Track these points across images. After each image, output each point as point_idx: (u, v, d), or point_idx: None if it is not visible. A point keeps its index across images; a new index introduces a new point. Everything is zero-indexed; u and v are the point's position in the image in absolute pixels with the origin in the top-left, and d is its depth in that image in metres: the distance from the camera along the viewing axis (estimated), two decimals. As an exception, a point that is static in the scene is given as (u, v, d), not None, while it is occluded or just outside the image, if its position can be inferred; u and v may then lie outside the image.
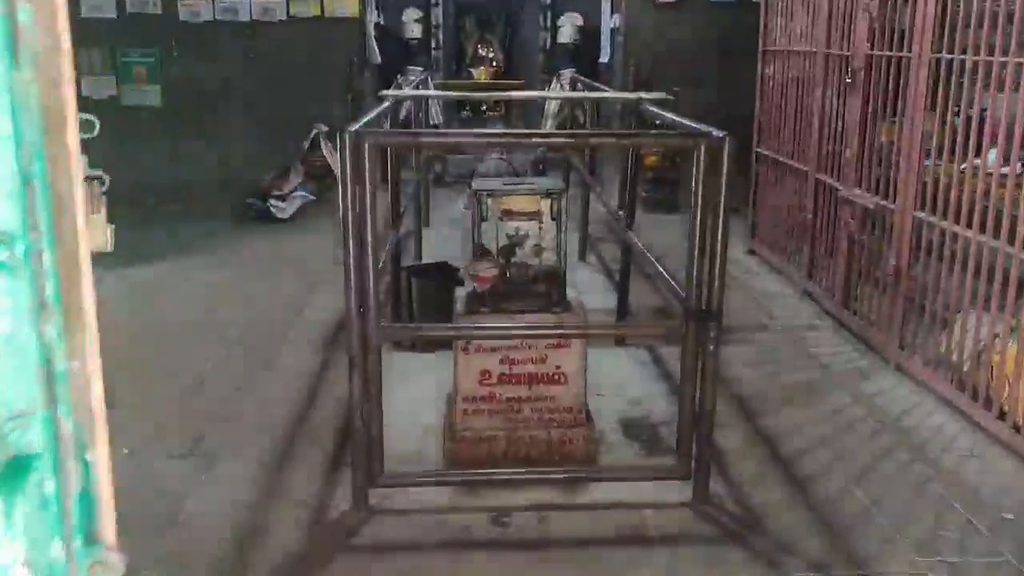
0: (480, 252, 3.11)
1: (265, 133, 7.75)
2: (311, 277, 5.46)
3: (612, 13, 8.09)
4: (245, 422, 3.58)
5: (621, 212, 4.48)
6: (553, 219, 3.14)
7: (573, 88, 7.56)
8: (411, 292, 4.35)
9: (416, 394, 3.82)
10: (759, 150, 6.12)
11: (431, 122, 8.98)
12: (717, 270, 2.79)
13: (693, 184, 2.77)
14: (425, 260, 6.07)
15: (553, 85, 8.68)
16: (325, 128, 7.57)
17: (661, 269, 3.30)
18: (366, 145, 2.59)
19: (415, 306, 4.35)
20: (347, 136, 2.57)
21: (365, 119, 3.19)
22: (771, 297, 5.34)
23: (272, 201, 7.45)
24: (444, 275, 4.48)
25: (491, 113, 16.28)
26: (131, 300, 5.18)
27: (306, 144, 7.62)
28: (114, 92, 7.62)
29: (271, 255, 6.27)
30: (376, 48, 8.11)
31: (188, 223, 7.21)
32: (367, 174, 2.62)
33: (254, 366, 4.19)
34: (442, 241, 6.09)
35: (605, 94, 4.65)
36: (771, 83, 5.95)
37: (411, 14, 9.05)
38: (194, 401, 3.78)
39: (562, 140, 2.63)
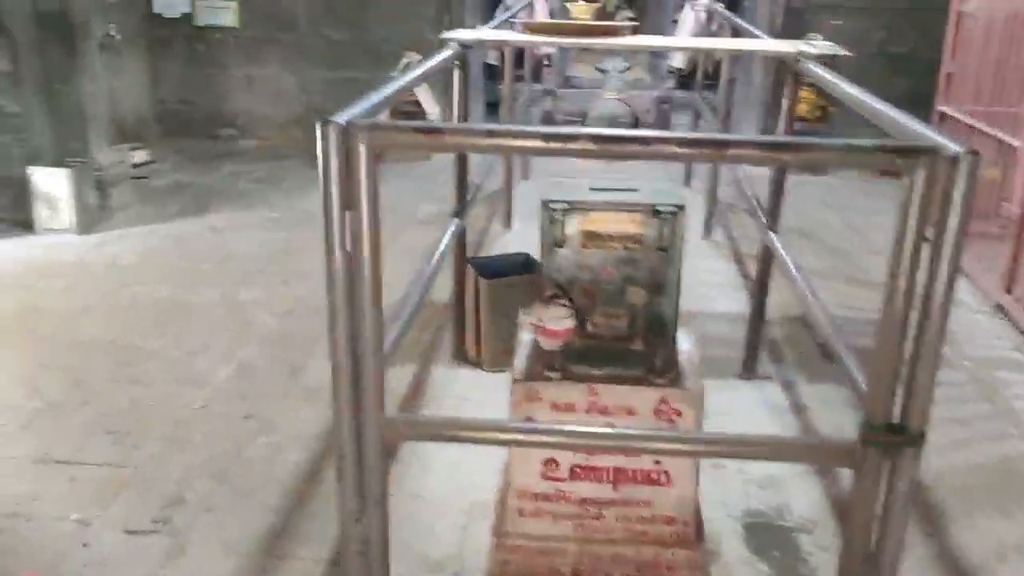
0: (551, 294, 2.10)
1: (349, 60, 6.83)
2: (385, 238, 4.56)
3: (763, -74, 6.70)
4: (243, 474, 2.73)
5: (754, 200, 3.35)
6: (663, 249, 2.09)
7: (709, 20, 6.31)
8: (478, 293, 3.39)
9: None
10: (944, 109, 4.81)
11: (543, 59, 7.86)
12: (927, 365, 1.71)
13: (897, 223, 1.66)
14: (515, 228, 5.10)
15: (684, 13, 7.41)
16: (418, 57, 6.58)
17: (826, 324, 2.23)
18: (361, 147, 1.60)
19: (483, 312, 3.39)
20: (330, 130, 1.59)
21: (397, 83, 2.19)
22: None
23: (352, 141, 6.56)
24: (522, 272, 3.50)
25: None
26: (155, 268, 4.40)
27: (395, 75, 6.65)
28: (188, 9, 6.80)
29: (339, 210, 5.38)
30: (480, -37, 7.01)
31: (260, 162, 6.43)
32: (363, 190, 1.64)
33: (277, 377, 3.33)
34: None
35: (750, 45, 3.48)
36: (972, 22, 4.59)
37: (525, -77, 7.84)
38: (188, 432, 2.95)
39: (681, 151, 1.59)
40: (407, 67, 6.66)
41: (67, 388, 3.21)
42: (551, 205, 2.09)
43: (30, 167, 4.77)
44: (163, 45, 6.85)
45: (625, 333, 2.15)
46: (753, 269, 4.59)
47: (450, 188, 3.27)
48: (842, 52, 2.82)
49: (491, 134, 1.59)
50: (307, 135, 6.90)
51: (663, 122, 7.76)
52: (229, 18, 6.84)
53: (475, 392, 3.23)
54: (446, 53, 2.73)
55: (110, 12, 6.10)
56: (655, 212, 2.07)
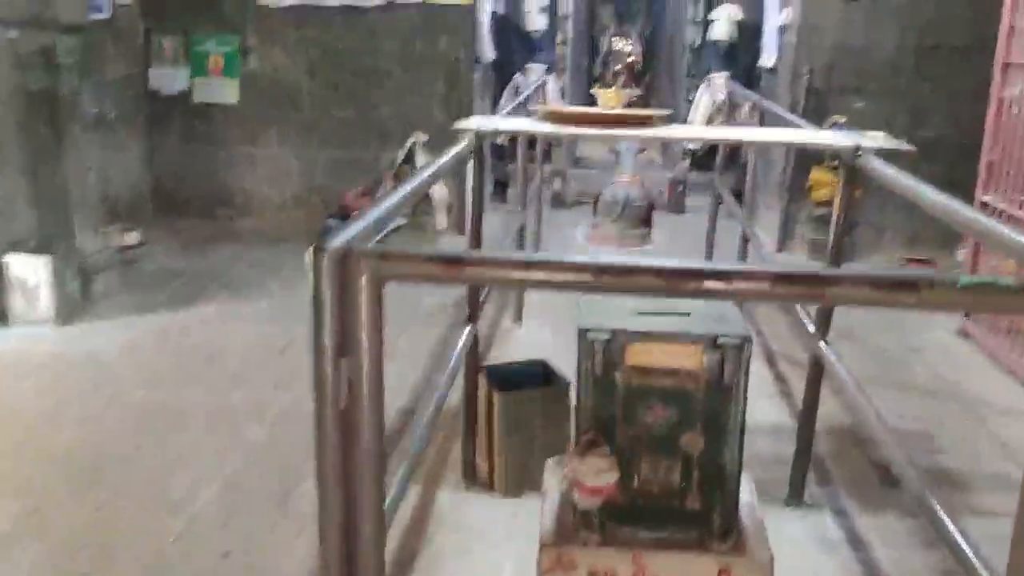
0: (589, 440, 1.75)
1: (353, 138, 6.58)
2: (387, 336, 4.21)
3: (781, 7, 6.52)
4: (216, 630, 2.34)
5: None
6: (725, 384, 1.73)
7: (729, 98, 6.08)
8: (491, 405, 3.03)
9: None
10: (985, 199, 4.50)
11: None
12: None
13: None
14: (526, 323, 4.76)
15: (701, 92, 7.20)
16: (424, 137, 6.34)
17: (909, 468, 1.86)
18: (362, 279, 1.26)
19: (497, 427, 3.02)
20: (322, 253, 1.26)
21: (406, 188, 1.87)
22: (1004, 417, 3.75)
23: (355, 223, 6.26)
24: (540, 384, 3.14)
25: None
26: (136, 367, 4.02)
27: (400, 155, 6.40)
28: (186, 87, 6.57)
29: (339, 299, 5.05)
30: (491, 42, 6.82)
31: (258, 245, 6.12)
32: (365, 331, 1.30)
33: (265, 500, 2.95)
34: (553, 292, 4.73)
35: (802, 137, 3.17)
36: (1015, 109, 4.32)
37: (535, 2, 7.71)
38: (157, 575, 2.56)
39: (775, 290, 1.28)
40: (413, 146, 6.41)
41: (23, 513, 2.82)
42: (589, 334, 1.74)
43: (8, 254, 4.44)
44: (160, 123, 6.60)
45: (678, 487, 1.79)
46: (786, 369, 4.24)
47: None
48: (906, 147, 2.51)
49: (528, 266, 1.26)
50: (308, 217, 6.62)
51: (677, 205, 7.50)
52: (229, 95, 6.62)
53: (489, 524, 2.84)
54: (460, 145, 2.42)
55: (105, 89, 5.86)
56: (714, 343, 1.72)
